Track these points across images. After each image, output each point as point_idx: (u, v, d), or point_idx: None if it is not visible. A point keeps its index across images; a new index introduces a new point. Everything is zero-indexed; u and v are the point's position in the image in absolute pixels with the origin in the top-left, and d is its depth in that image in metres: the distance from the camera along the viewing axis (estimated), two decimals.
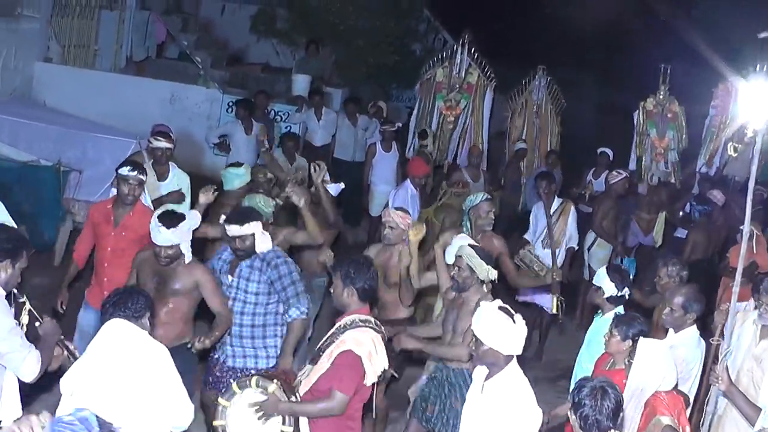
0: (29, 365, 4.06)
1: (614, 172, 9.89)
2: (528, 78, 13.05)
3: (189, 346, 5.41)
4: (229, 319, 5.60)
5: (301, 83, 13.62)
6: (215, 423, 4.81)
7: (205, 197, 6.44)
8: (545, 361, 8.88)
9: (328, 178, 7.58)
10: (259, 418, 4.68)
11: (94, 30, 13.44)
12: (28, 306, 4.26)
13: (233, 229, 5.52)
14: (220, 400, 4.83)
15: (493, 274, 5.65)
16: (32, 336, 4.31)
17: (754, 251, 7.81)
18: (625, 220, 10.50)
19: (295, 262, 5.94)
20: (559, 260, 8.86)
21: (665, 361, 4.72)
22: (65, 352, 4.33)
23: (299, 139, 9.61)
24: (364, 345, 4.59)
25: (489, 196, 7.42)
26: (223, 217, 5.75)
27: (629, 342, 4.94)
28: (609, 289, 5.73)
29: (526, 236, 9.09)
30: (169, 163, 7.83)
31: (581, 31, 18.36)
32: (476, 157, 11.23)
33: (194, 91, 12.83)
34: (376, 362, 4.62)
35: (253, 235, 5.55)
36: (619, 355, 4.96)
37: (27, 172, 8.77)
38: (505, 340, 4.25)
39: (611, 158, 11.73)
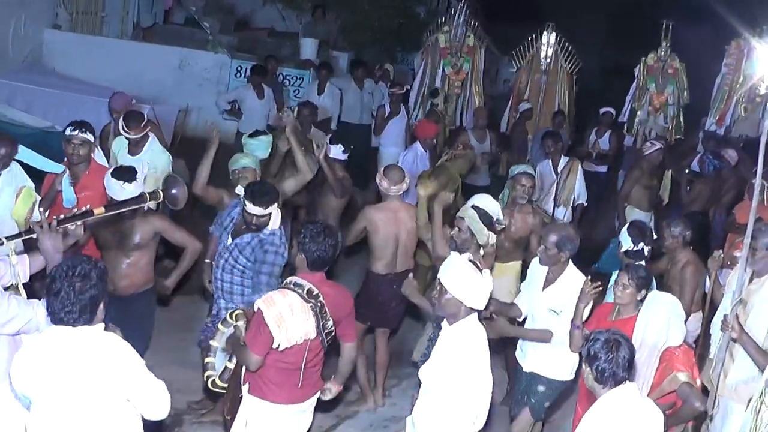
0: (41, 322, 3.98)
1: (648, 143, 9.83)
2: (534, 35, 13.01)
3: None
4: (195, 247, 5.88)
5: (308, 47, 13.70)
6: (212, 342, 5.10)
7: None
8: None
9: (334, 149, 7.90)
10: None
11: None
12: (10, 245, 4.06)
13: (256, 210, 5.48)
14: (219, 325, 5.11)
15: (492, 239, 5.70)
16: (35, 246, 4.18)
17: (765, 204, 7.78)
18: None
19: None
20: (568, 217, 9.04)
21: (670, 315, 4.86)
22: (72, 227, 4.23)
23: (316, 108, 9.56)
24: (275, 306, 4.49)
25: (530, 169, 7.38)
26: (240, 188, 5.70)
27: (644, 292, 5.06)
28: (625, 242, 5.91)
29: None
30: (150, 136, 7.47)
31: None
32: (482, 119, 11.19)
33: (203, 57, 12.82)
34: (287, 327, 4.48)
35: (270, 214, 5.57)
36: (629, 306, 5.04)
37: (44, 139, 8.85)
38: (468, 290, 4.20)
39: (614, 116, 11.83)
